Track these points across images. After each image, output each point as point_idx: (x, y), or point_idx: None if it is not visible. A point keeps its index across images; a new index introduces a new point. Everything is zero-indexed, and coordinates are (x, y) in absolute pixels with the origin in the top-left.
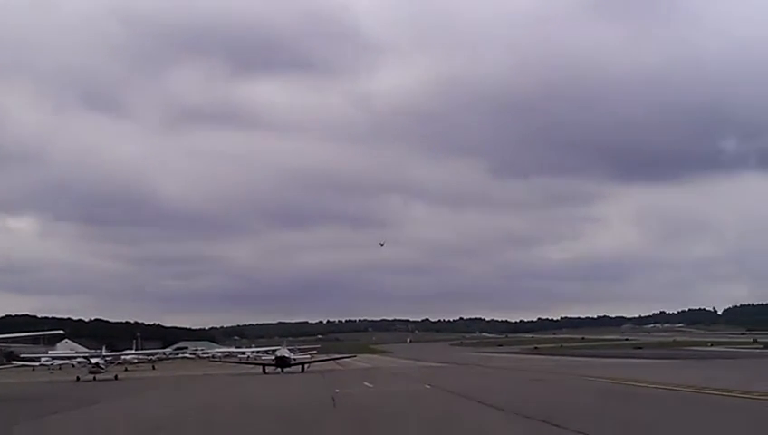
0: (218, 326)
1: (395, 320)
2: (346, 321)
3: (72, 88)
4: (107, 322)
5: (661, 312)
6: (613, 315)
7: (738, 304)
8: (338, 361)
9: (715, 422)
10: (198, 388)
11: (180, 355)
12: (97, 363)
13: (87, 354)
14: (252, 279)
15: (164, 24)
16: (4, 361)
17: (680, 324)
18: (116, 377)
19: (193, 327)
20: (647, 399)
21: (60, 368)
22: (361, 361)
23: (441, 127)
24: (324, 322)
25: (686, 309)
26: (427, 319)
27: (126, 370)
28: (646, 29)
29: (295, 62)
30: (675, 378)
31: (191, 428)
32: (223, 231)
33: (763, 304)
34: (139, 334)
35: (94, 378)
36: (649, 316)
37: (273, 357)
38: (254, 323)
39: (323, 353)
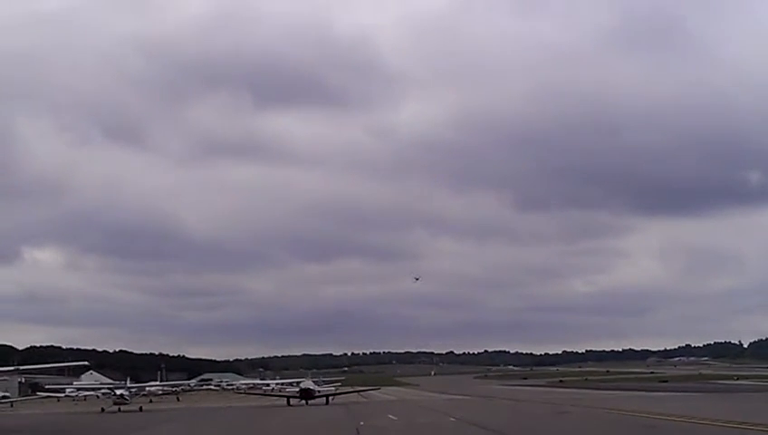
0: (243, 358)
1: (419, 352)
2: (370, 353)
3: (96, 121)
4: (132, 353)
5: (686, 345)
6: (638, 348)
7: (764, 338)
8: (362, 393)
9: None
10: (224, 420)
11: (205, 387)
12: (122, 395)
13: (112, 386)
14: (276, 311)
15: (186, 56)
16: (30, 391)
17: (705, 358)
18: (141, 408)
19: (217, 359)
20: (669, 431)
21: (85, 399)
22: (386, 393)
23: (464, 159)
24: (349, 354)
25: (712, 342)
26: (452, 352)
27: (150, 401)
28: (668, 61)
29: (317, 94)
30: (694, 411)
31: None
32: (247, 263)
33: None
34: (163, 366)
35: (119, 409)
36: (675, 349)
37: (297, 389)
38: (279, 355)
39: (348, 386)
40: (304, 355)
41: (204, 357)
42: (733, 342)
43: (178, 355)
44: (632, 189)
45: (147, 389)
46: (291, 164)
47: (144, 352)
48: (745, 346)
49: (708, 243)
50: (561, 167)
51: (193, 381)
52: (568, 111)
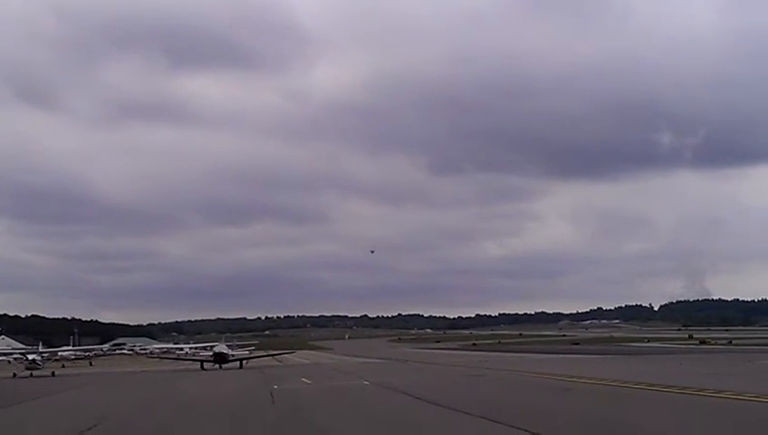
0: (156, 322)
1: (333, 316)
2: (284, 317)
3: (7, 82)
4: (44, 318)
5: (598, 308)
6: (550, 311)
7: (674, 301)
8: (276, 357)
9: (631, 412)
10: (136, 384)
11: (118, 351)
12: (34, 360)
13: (23, 351)
14: (190, 275)
15: (99, 17)
16: None
17: (617, 321)
18: (53, 373)
19: (131, 323)
20: (578, 393)
21: None
22: (300, 357)
23: (378, 123)
24: (263, 318)
25: (623, 305)
26: (366, 315)
27: (63, 366)
28: (580, 27)
29: (231, 56)
30: (607, 373)
31: (127, 425)
32: (160, 227)
33: (698, 300)
34: (76, 331)
35: (31, 374)
36: (586, 312)
37: (211, 353)
38: (192, 319)
39: (262, 350)
40: (218, 319)
41: (117, 321)
42: (643, 305)
43: (91, 320)
44: (546, 153)
45: (59, 354)
46: (204, 127)
47: (56, 316)
48: (656, 309)
49: (620, 207)
50: (476, 130)
51: (106, 346)
52: (483, 74)
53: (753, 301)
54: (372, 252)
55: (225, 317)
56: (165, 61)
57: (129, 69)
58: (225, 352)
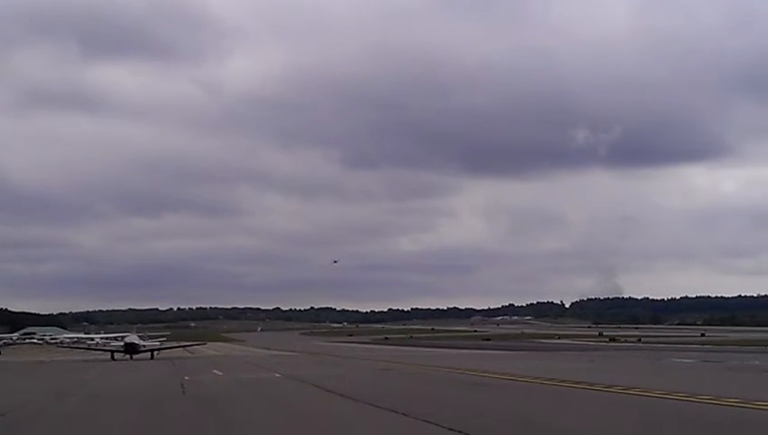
0: (67, 312)
1: (246, 308)
2: (197, 308)
3: None
4: None
5: (510, 304)
6: (463, 307)
7: (585, 298)
8: (188, 348)
9: (539, 407)
10: (45, 374)
11: (27, 341)
12: None
13: None
14: (102, 265)
15: (12, 4)
16: None
17: (528, 317)
18: None
19: (41, 313)
20: (487, 388)
21: None
22: (212, 348)
23: (293, 116)
24: (175, 309)
25: (535, 302)
26: (278, 308)
27: None
28: (496, 24)
29: (146, 46)
30: (517, 369)
31: (35, 415)
32: (72, 216)
33: (609, 298)
34: None
35: None
36: (498, 308)
37: (122, 343)
38: (104, 309)
39: (173, 341)
40: (130, 310)
41: (27, 310)
42: (555, 302)
43: (1, 308)
44: (460, 150)
45: None
46: (118, 117)
47: None
48: (567, 306)
49: (533, 204)
50: (391, 126)
51: (15, 335)
52: (398, 71)
53: (663, 300)
54: (335, 262)
55: (137, 308)
56: (79, 50)
57: (41, 57)
58: (136, 342)
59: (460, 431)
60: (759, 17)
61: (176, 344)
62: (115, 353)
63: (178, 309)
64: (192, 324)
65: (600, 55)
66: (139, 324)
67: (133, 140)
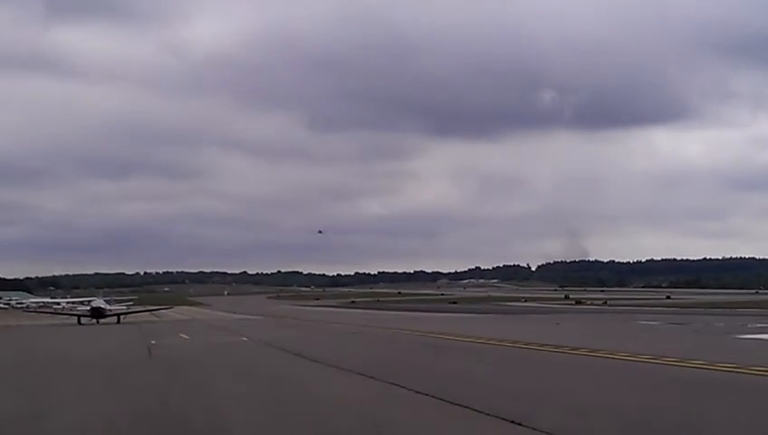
0: (33, 277)
1: (213, 272)
2: (163, 272)
3: None
4: None
5: (476, 267)
6: (429, 271)
7: (551, 261)
8: (154, 312)
9: (503, 369)
10: (10, 338)
11: None
12: None
13: None
14: (67, 229)
15: None
16: None
17: (495, 280)
18: None
19: (7, 277)
20: (451, 350)
21: None
22: (178, 313)
23: (260, 79)
24: (141, 273)
25: (501, 265)
26: (245, 272)
27: None
28: None
29: (110, 7)
30: (484, 332)
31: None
32: (36, 180)
33: (575, 261)
34: None
35: None
36: (465, 272)
37: (88, 308)
38: (70, 273)
39: (140, 305)
40: (96, 274)
41: None
42: (521, 265)
43: None
44: (427, 113)
45: None
46: (82, 79)
47: None
48: (533, 269)
49: (500, 167)
50: (359, 89)
51: None
52: (366, 34)
53: (629, 262)
54: (320, 232)
55: (104, 272)
56: (42, 11)
57: (4, 18)
58: (102, 306)
59: (427, 394)
60: None
61: (142, 309)
62: (81, 318)
63: (145, 273)
64: (166, 289)
65: (566, 19)
66: (106, 289)
67: (98, 103)
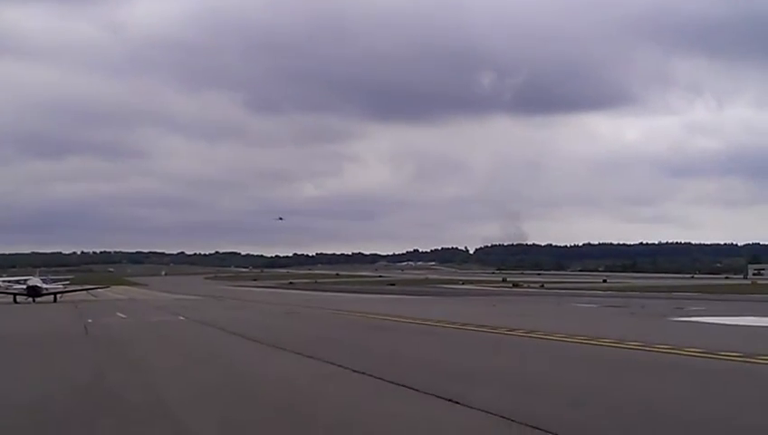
0: None
1: (150, 252)
2: (101, 252)
3: None
4: None
5: (414, 250)
6: (368, 252)
7: (489, 244)
8: (91, 292)
9: (436, 348)
10: None
11: None
12: None
13: None
14: (3, 208)
15: None
16: None
17: (433, 263)
18: None
19: None
20: (388, 331)
21: None
22: (115, 292)
23: (198, 60)
24: (78, 253)
25: (439, 248)
26: (183, 252)
27: None
28: None
29: None
30: (420, 313)
31: None
32: None
33: (513, 245)
34: None
35: None
36: (403, 254)
37: (24, 287)
38: (6, 252)
39: (77, 284)
40: (33, 253)
41: None
42: (459, 248)
43: None
44: (366, 96)
45: None
46: (18, 57)
47: None
48: (471, 252)
49: (438, 150)
50: (297, 71)
51: None
52: (304, 14)
53: (566, 246)
54: (281, 219)
55: (41, 251)
56: None
57: None
58: (38, 285)
59: (340, 365)
60: None
61: (79, 288)
62: (17, 297)
63: (82, 253)
64: (110, 269)
65: (506, 3)
66: (43, 268)
67: (35, 82)
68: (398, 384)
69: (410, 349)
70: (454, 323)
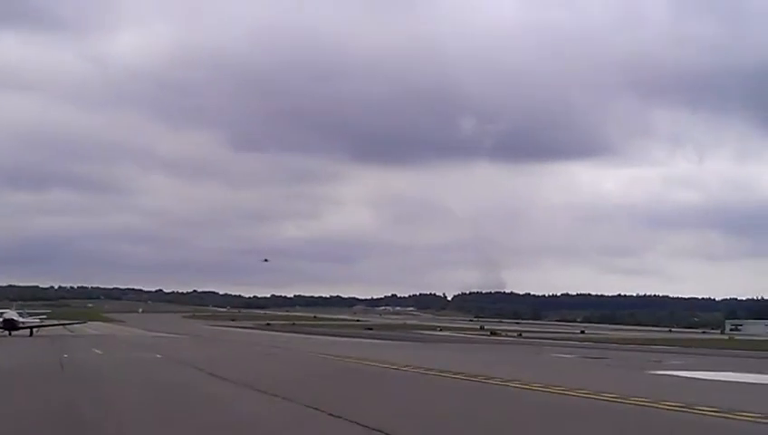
0: None
1: (127, 289)
2: (78, 287)
3: None
4: None
5: (393, 295)
6: (346, 296)
7: (467, 292)
8: (68, 327)
9: (411, 393)
10: None
11: None
12: None
13: None
14: None
15: None
16: None
17: (411, 308)
18: None
19: None
20: (361, 374)
21: None
22: (92, 328)
23: (181, 96)
24: (56, 287)
25: (418, 293)
26: (161, 290)
27: None
28: (385, 11)
29: (30, 16)
30: (396, 358)
31: None
32: None
33: (491, 292)
34: None
35: None
36: (381, 298)
37: (0, 319)
38: None
39: (53, 319)
40: (9, 286)
41: None
42: (437, 294)
43: None
44: (348, 137)
45: None
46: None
47: None
48: (449, 299)
49: (419, 195)
50: (280, 110)
51: None
52: (287, 55)
53: (544, 296)
54: (266, 260)
55: (18, 284)
56: None
57: None
58: (15, 318)
59: (316, 408)
60: (647, 18)
61: (56, 322)
62: None
63: (59, 287)
64: (89, 305)
65: (489, 48)
66: (19, 301)
67: (15, 113)
68: (363, 425)
69: (376, 390)
70: (430, 369)
